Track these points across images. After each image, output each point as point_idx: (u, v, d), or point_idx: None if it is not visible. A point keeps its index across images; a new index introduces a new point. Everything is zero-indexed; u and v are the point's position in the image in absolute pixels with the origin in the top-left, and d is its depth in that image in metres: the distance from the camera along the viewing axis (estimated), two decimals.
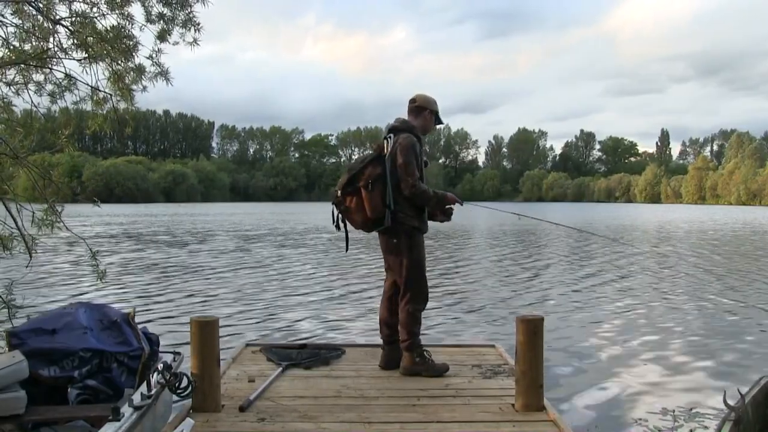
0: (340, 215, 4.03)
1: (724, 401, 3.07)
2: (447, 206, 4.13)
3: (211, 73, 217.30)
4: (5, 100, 4.15)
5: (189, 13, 4.15)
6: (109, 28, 4.04)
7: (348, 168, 4.00)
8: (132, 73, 4.22)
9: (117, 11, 4.05)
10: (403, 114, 4.22)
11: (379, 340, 4.32)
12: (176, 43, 4.22)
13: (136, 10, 4.19)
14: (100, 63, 4.10)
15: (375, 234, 4.10)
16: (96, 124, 4.31)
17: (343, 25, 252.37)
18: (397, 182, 3.90)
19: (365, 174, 3.88)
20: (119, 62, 4.15)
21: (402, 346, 4.03)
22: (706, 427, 4.41)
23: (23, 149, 3.95)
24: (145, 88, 4.29)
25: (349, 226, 4.07)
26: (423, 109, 4.17)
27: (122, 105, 4.31)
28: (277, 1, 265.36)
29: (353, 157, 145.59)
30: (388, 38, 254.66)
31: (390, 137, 3.99)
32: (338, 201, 3.99)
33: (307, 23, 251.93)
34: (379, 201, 3.86)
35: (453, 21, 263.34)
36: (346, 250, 4.36)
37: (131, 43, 4.13)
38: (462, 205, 4.25)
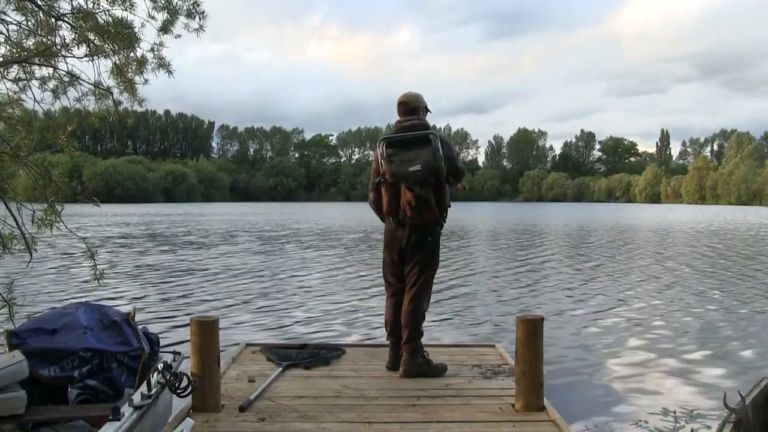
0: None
1: (724, 403, 3.07)
2: None
3: (216, 72, 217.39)
4: (9, 96, 4.15)
5: (193, 2, 4.13)
6: (110, 22, 4.02)
7: (430, 156, 3.85)
8: (134, 64, 4.19)
9: (119, 4, 4.03)
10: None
11: (378, 340, 4.31)
12: (179, 36, 4.20)
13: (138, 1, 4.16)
14: (102, 58, 4.09)
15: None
16: (98, 117, 4.28)
17: (349, 25, 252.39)
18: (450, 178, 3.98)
19: (443, 168, 3.87)
20: (121, 53, 4.12)
21: (406, 347, 3.95)
22: (708, 427, 4.40)
23: (26, 148, 3.95)
24: (147, 81, 4.27)
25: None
26: (417, 109, 4.13)
27: (125, 97, 4.29)
28: (284, 2, 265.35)
29: (353, 157, 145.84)
30: (394, 39, 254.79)
31: (435, 135, 3.94)
32: (420, 192, 3.84)
33: (313, 23, 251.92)
34: (447, 197, 3.94)
35: (459, 22, 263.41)
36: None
37: (132, 32, 4.10)
38: None
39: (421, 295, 4.00)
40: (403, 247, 4.00)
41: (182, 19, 4.19)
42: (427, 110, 4.24)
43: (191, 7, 4.14)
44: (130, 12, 4.04)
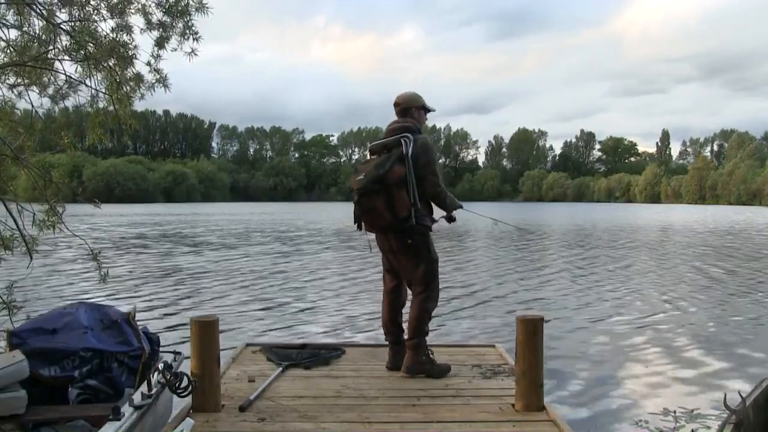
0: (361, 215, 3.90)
1: (725, 403, 3.06)
2: (453, 211, 4.11)
3: (219, 73, 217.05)
4: (8, 102, 4.15)
5: (188, 21, 4.12)
6: (107, 33, 4.03)
7: (375, 165, 3.83)
8: (131, 82, 4.20)
9: (117, 17, 4.04)
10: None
11: (378, 340, 4.31)
12: (174, 50, 4.20)
13: (135, 18, 4.18)
14: (100, 71, 4.09)
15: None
16: (95, 135, 4.28)
17: (353, 26, 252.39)
18: (417, 182, 3.86)
19: (395, 172, 3.78)
20: (117, 71, 4.13)
21: (409, 344, 3.96)
22: (708, 427, 4.41)
23: (27, 150, 3.95)
24: (143, 96, 4.28)
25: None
26: (409, 109, 4.12)
27: (121, 113, 4.29)
28: (288, 2, 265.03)
29: (354, 157, 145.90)
30: (397, 39, 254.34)
31: (408, 137, 3.91)
32: (362, 200, 3.84)
33: (316, 24, 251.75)
34: (407, 200, 3.79)
35: (462, 22, 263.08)
36: (371, 249, 4.26)
37: (129, 51, 4.11)
38: (462, 208, 4.22)
39: (427, 295, 3.99)
40: (389, 250, 4.02)
41: (176, 37, 4.19)
42: (426, 110, 4.21)
43: (185, 25, 4.13)
44: (125, 33, 4.05)
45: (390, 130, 4.07)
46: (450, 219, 4.12)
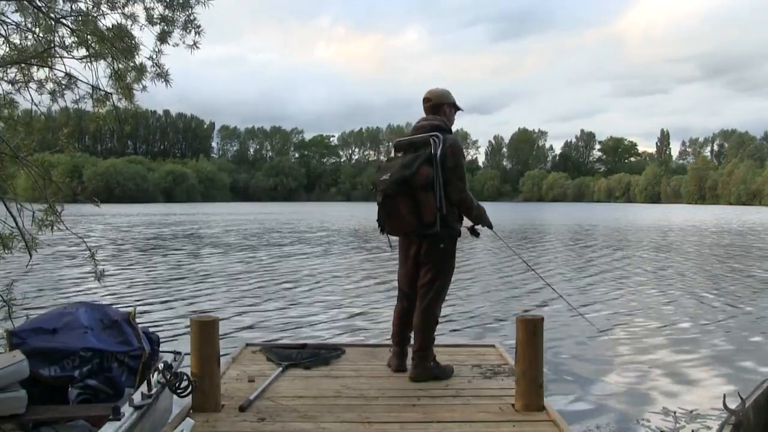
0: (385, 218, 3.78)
1: (724, 404, 3.06)
2: (479, 225, 3.98)
3: (223, 73, 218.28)
4: (7, 97, 4.15)
5: (189, 14, 4.11)
6: (110, 27, 4.03)
7: (401, 165, 3.68)
8: (133, 72, 4.19)
9: (119, 10, 4.04)
10: (419, 114, 4.05)
11: (378, 340, 4.30)
12: (176, 44, 4.19)
13: (137, 9, 4.17)
14: (101, 61, 4.08)
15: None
16: (99, 120, 4.27)
17: (357, 27, 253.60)
18: (445, 185, 3.71)
19: (422, 174, 3.64)
20: (120, 61, 4.13)
21: (419, 354, 3.86)
22: (708, 428, 4.40)
23: (26, 148, 3.95)
24: (145, 88, 4.27)
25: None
26: (441, 105, 3.97)
27: (123, 104, 4.29)
28: (292, 4, 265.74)
29: (354, 157, 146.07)
30: (400, 40, 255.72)
31: (438, 137, 3.75)
32: (386, 202, 3.71)
33: (321, 25, 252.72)
34: (433, 204, 3.67)
35: (465, 23, 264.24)
36: (391, 247, 4.13)
37: (132, 42, 4.11)
38: (491, 229, 4.08)
39: (435, 302, 3.89)
40: (415, 254, 3.89)
41: (178, 31, 4.18)
42: (457, 108, 4.06)
43: (186, 19, 4.12)
44: (130, 21, 4.05)
45: (419, 127, 3.91)
46: (474, 232, 4.00)
